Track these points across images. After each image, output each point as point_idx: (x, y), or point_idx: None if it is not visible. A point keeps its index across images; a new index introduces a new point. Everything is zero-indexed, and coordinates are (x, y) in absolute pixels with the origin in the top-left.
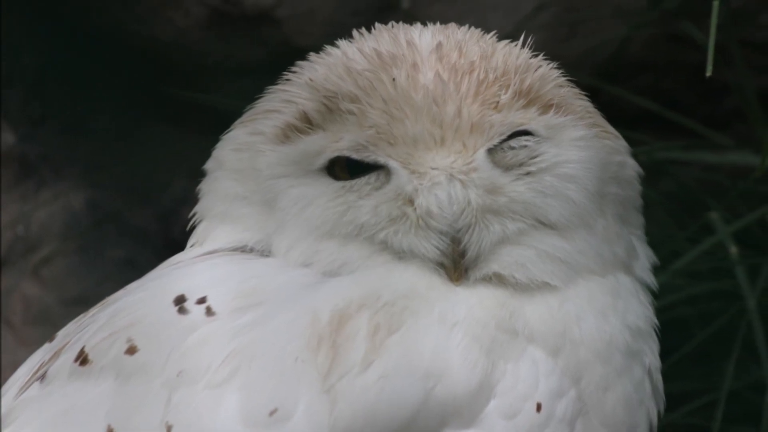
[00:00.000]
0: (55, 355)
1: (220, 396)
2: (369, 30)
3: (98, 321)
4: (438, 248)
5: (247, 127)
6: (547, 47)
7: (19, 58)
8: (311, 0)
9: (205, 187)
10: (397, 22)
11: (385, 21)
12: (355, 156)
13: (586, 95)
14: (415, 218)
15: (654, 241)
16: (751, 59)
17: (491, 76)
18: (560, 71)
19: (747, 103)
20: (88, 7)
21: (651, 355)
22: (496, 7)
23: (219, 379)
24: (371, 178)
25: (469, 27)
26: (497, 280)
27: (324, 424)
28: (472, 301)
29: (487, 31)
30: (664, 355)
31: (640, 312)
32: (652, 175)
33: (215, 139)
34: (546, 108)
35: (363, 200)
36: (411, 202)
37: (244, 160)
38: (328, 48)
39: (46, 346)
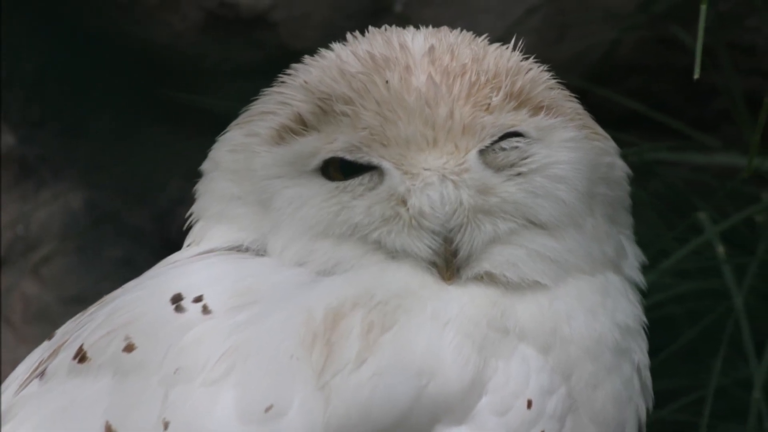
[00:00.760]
0: (54, 352)
1: (216, 393)
2: (363, 33)
3: (96, 319)
4: (430, 248)
5: (243, 129)
6: (537, 50)
7: (19, 62)
8: (306, 4)
9: (201, 187)
10: (390, 25)
11: (378, 24)
12: (348, 157)
13: (576, 97)
14: (407, 218)
15: (643, 240)
16: (738, 62)
17: (483, 79)
18: (551, 74)
19: (734, 105)
20: (87, 11)
21: (640, 352)
22: (487, 10)
23: (215, 376)
24: (365, 178)
25: (461, 30)
26: (489, 279)
27: (318, 420)
28: (464, 300)
29: (478, 34)
30: (652, 352)
31: (629, 310)
32: (641, 175)
33: (211, 141)
34: (537, 110)
35: (357, 200)
36: (404, 202)
37: (239, 161)
38: (323, 51)
39: (46, 343)
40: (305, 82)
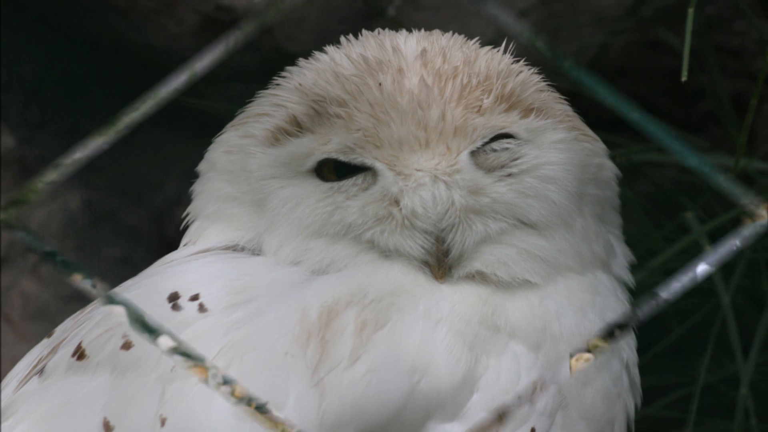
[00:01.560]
0: (54, 350)
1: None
2: (356, 36)
3: (95, 317)
4: (423, 247)
5: (239, 130)
6: (528, 53)
7: (19, 65)
8: (301, 8)
9: (197, 187)
10: (384, 29)
11: (371, 28)
12: (342, 158)
13: (565, 99)
14: (400, 218)
15: (631, 239)
16: (725, 65)
17: (474, 81)
18: (541, 76)
19: (721, 107)
20: (85, 16)
21: (628, 350)
22: (478, 14)
23: None
24: (358, 179)
25: (453, 33)
26: (480, 277)
27: (313, 416)
28: (456, 298)
29: (470, 37)
30: (641, 350)
31: (618, 308)
32: (630, 176)
33: (208, 142)
34: (527, 112)
35: (350, 201)
36: (397, 202)
37: (235, 161)
38: (317, 54)
39: (45, 341)
40: (300, 84)
